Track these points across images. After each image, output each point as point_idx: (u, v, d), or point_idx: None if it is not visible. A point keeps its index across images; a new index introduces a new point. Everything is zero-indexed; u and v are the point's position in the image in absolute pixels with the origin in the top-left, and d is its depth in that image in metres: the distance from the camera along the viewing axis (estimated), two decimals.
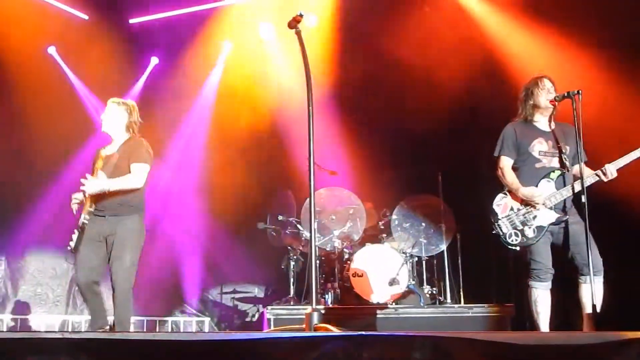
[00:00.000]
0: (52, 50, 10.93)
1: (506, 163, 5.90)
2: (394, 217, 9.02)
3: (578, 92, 5.55)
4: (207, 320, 10.51)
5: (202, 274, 11.05)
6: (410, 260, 8.55)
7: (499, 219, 5.80)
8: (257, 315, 10.67)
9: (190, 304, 11.15)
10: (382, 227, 9.01)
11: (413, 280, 8.50)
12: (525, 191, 5.71)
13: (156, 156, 6.43)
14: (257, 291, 10.99)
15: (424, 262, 8.86)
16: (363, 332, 3.33)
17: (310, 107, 4.36)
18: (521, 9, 9.02)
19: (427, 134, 9.54)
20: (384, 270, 8.12)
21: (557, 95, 5.73)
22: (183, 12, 10.65)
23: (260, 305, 10.66)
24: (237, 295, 10.92)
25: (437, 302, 8.66)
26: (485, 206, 6.37)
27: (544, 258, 5.67)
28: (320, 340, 3.28)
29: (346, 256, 8.58)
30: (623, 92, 7.68)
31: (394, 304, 8.04)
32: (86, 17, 10.75)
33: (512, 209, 5.80)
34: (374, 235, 8.98)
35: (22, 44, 9.92)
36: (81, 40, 10.59)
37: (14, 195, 10.00)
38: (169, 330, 10.00)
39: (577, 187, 5.62)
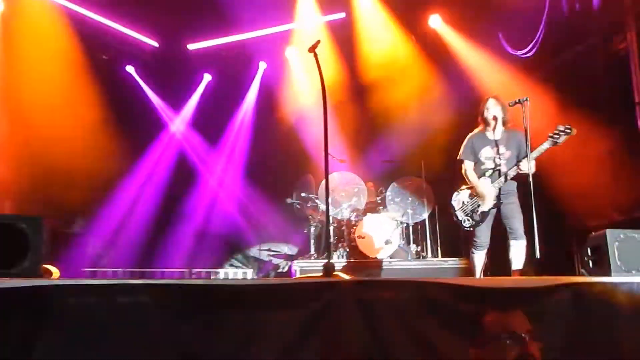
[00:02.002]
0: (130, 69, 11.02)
1: (468, 165, 5.99)
2: (388, 193, 9.03)
3: (526, 99, 5.53)
4: (249, 271, 10.55)
5: (245, 236, 11.14)
6: (401, 226, 8.56)
7: (456, 211, 5.99)
8: (286, 267, 10.73)
9: (237, 259, 11.25)
10: (380, 201, 9.01)
11: (403, 240, 8.54)
12: (479, 189, 5.85)
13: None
14: (287, 249, 11.03)
15: (411, 227, 8.88)
16: (367, 278, 3.40)
17: (325, 112, 4.42)
18: None
19: (413, 133, 9.56)
20: (381, 234, 8.14)
21: (510, 102, 5.73)
22: (235, 39, 10.68)
23: (288, 261, 10.71)
24: (272, 252, 10.98)
25: (421, 257, 8.71)
26: (456, 184, 6.48)
27: (483, 236, 5.90)
28: (336, 284, 3.36)
29: (353, 223, 8.59)
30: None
31: (388, 258, 8.11)
32: (156, 44, 10.78)
33: (463, 203, 5.95)
34: (373, 207, 9.00)
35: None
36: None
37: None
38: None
39: (507, 178, 5.75)
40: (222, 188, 11.15)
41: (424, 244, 9.03)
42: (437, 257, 8.76)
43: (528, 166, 5.45)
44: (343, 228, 8.72)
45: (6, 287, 2.80)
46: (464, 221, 5.91)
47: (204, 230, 11.01)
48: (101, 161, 9.68)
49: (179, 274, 9.54)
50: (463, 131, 6.36)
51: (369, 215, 8.44)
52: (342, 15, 10.18)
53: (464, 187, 6.06)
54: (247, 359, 3.08)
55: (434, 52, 9.76)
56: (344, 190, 9.02)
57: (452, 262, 7.93)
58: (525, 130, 5.49)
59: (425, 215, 8.96)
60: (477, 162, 5.93)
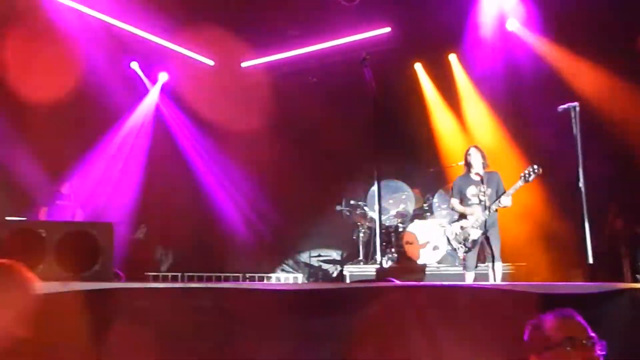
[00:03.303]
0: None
1: (455, 202, 6.71)
2: (435, 200, 8.89)
3: (575, 105, 5.40)
4: (300, 275, 10.55)
5: (296, 242, 11.13)
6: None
7: (451, 241, 6.64)
8: (335, 272, 10.66)
9: (288, 264, 11.24)
10: (427, 207, 8.90)
11: (450, 246, 8.38)
12: (472, 212, 6.44)
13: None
14: (335, 255, 10.98)
15: None
16: (420, 283, 3.31)
17: (377, 122, 4.34)
18: None
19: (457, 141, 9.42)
20: (429, 239, 8.04)
21: (560, 107, 5.59)
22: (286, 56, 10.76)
23: (338, 265, 10.64)
24: (321, 258, 10.94)
25: None
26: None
27: (471, 260, 6.49)
28: (389, 288, 3.28)
29: (400, 229, 8.51)
30: None
31: (436, 264, 7.96)
32: (212, 62, 10.91)
33: (456, 234, 6.55)
34: (420, 214, 8.88)
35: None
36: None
37: None
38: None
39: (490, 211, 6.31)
40: (274, 196, 11.16)
41: None
42: (484, 262, 8.52)
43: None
44: (391, 234, 8.62)
45: (79, 290, 2.84)
46: (458, 249, 6.56)
47: (256, 237, 11.06)
48: (164, 172, 9.89)
49: (234, 278, 9.59)
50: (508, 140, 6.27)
51: (416, 221, 8.35)
52: (388, 29, 10.10)
53: (455, 221, 6.75)
54: None
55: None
56: (391, 197, 8.92)
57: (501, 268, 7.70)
58: (575, 137, 5.35)
59: None
60: (464, 199, 6.57)
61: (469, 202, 6.51)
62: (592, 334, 2.31)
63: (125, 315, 2.83)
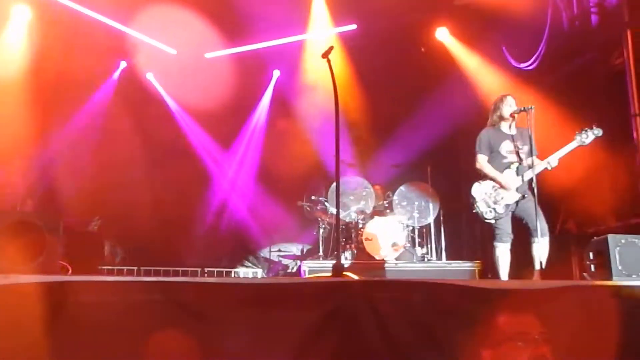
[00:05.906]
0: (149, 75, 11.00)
1: (482, 159, 5.83)
2: (395, 197, 8.93)
3: (531, 107, 5.49)
4: (259, 271, 10.46)
5: (256, 238, 11.05)
6: (407, 229, 8.45)
7: (477, 202, 5.71)
8: (295, 268, 10.62)
9: (248, 259, 11.14)
10: (387, 204, 8.93)
11: (408, 243, 8.42)
12: (501, 179, 5.66)
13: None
14: (296, 250, 10.93)
15: (416, 230, 8.77)
16: (377, 279, 3.28)
17: (337, 117, 4.30)
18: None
19: (421, 140, 9.44)
20: (388, 236, 8.04)
21: (515, 110, 5.70)
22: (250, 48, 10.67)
23: (298, 261, 10.60)
24: (281, 253, 10.88)
25: (426, 260, 8.58)
26: (461, 190, 6.28)
27: (505, 226, 5.65)
28: (347, 284, 3.25)
29: (360, 225, 8.48)
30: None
31: (394, 260, 7.99)
32: (174, 51, 10.73)
33: (485, 193, 5.69)
34: (380, 210, 8.90)
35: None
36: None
37: None
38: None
39: (530, 174, 5.51)
40: (234, 190, 11.07)
41: (429, 247, 8.90)
42: (442, 259, 8.62)
43: (532, 163, 5.56)
44: (351, 230, 8.62)
45: (22, 282, 2.72)
46: (486, 213, 5.62)
47: (216, 231, 10.94)
48: (120, 164, 9.65)
49: (192, 273, 9.45)
50: (468, 139, 6.27)
51: (376, 218, 8.34)
52: (354, 26, 10.10)
53: (486, 178, 5.79)
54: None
55: (441, 63, 9.64)
56: (352, 193, 8.93)
57: (456, 265, 7.80)
58: (530, 138, 5.44)
59: (431, 219, 8.83)
60: (498, 157, 5.77)
61: (505, 160, 5.67)
62: (543, 330, 2.33)
63: (71, 310, 2.72)
